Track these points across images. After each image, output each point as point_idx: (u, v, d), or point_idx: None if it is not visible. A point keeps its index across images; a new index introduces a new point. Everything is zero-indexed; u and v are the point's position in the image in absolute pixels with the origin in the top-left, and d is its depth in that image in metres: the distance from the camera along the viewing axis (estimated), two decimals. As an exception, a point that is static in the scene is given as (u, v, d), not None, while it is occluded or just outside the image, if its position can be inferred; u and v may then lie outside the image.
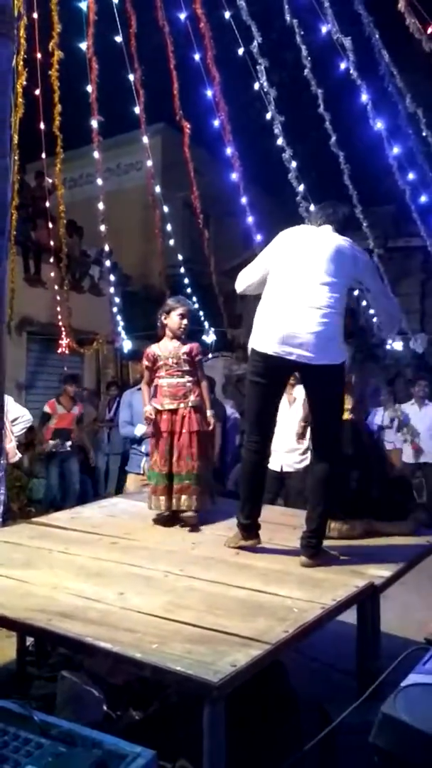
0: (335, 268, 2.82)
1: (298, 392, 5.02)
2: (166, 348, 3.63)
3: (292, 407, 5.08)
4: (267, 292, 2.90)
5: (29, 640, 3.27)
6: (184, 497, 3.44)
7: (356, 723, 1.98)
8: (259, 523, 3.00)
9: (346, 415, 3.25)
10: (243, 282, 3.14)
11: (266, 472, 3.09)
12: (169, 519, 3.51)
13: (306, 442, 4.98)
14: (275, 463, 5.01)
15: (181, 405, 3.53)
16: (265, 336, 2.79)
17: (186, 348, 3.62)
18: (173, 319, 3.62)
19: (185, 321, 3.62)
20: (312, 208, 6.82)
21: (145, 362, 3.70)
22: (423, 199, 5.93)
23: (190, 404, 3.54)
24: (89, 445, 8.46)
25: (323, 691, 2.75)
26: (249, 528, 2.97)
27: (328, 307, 2.76)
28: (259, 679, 1.90)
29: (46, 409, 7.58)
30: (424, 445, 7.21)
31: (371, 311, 3.34)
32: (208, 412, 3.61)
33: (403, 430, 7.25)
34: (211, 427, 3.63)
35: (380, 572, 2.66)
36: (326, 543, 3.06)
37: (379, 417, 7.61)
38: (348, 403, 3.27)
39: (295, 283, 2.81)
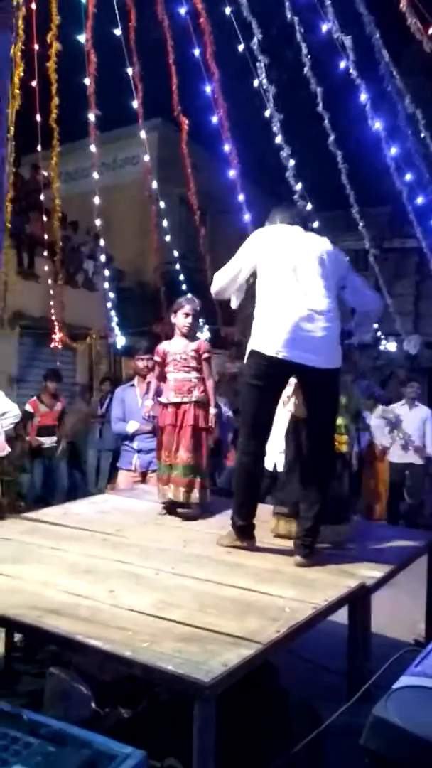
0: (328, 271, 2.87)
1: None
2: (175, 345, 3.78)
3: (286, 408, 5.07)
4: (266, 295, 2.88)
5: (17, 636, 3.25)
6: (172, 486, 3.56)
7: (346, 724, 1.98)
8: (254, 523, 2.99)
9: None
10: (220, 284, 3.15)
11: (262, 475, 3.09)
12: (172, 508, 3.63)
13: None
14: (269, 462, 5.00)
15: (185, 399, 3.65)
16: (272, 339, 2.76)
17: (194, 345, 3.75)
18: (179, 318, 3.78)
19: (189, 320, 3.76)
20: (309, 206, 6.83)
21: (156, 358, 3.85)
22: (420, 200, 5.94)
23: (193, 399, 3.64)
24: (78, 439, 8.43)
25: (313, 691, 2.74)
26: (245, 530, 2.96)
27: (330, 311, 2.80)
28: (249, 678, 1.90)
29: (28, 407, 7.52)
30: (413, 446, 7.23)
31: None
32: (211, 410, 3.69)
33: (395, 432, 7.25)
34: (211, 425, 3.69)
35: (371, 573, 2.66)
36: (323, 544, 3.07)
37: (369, 418, 7.63)
38: None
39: (296, 286, 2.81)
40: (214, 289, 3.20)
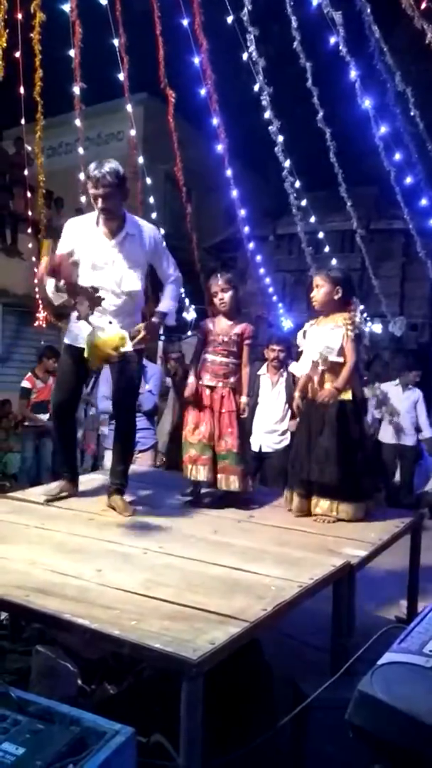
0: None
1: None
2: (219, 324, 3.55)
3: (274, 389, 5.08)
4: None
5: (3, 615, 3.25)
6: (222, 476, 3.42)
7: (328, 699, 2.02)
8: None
9: (349, 395, 3.27)
10: None
11: None
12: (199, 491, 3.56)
13: (286, 424, 5.01)
14: (255, 443, 5.03)
15: (220, 384, 3.48)
16: None
17: (238, 329, 3.52)
18: (214, 299, 3.55)
19: (221, 296, 3.51)
20: (297, 185, 6.76)
21: (198, 335, 3.66)
22: (408, 180, 5.90)
23: (229, 385, 3.48)
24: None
25: (296, 667, 2.79)
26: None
27: None
28: (234, 655, 1.92)
29: (27, 384, 7.45)
30: (403, 425, 7.28)
31: None
32: (243, 399, 3.50)
33: (382, 408, 7.28)
34: (243, 415, 3.53)
35: (356, 552, 2.70)
36: (309, 523, 3.11)
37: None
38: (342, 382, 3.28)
39: None
40: None
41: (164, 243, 3.28)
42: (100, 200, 3.01)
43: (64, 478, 3.49)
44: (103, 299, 2.89)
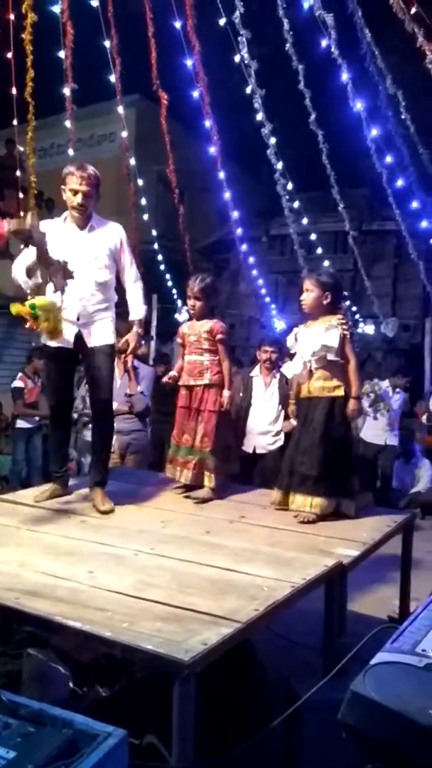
0: None
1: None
2: (190, 326, 3.72)
3: (267, 390, 5.08)
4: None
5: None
6: (185, 471, 3.56)
7: (321, 699, 2.01)
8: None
9: (341, 391, 3.29)
10: None
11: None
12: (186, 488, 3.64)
13: (280, 425, 5.01)
14: (248, 445, 5.03)
15: (197, 382, 3.61)
16: None
17: (207, 327, 3.64)
18: (188, 300, 3.72)
19: (191, 301, 3.67)
20: (290, 186, 6.78)
21: (178, 339, 3.86)
22: (400, 182, 5.93)
23: (204, 382, 3.59)
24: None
25: (289, 667, 2.79)
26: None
27: None
28: (227, 655, 1.91)
29: (20, 384, 7.41)
30: (389, 428, 7.37)
31: None
32: (225, 392, 3.58)
33: (379, 405, 7.35)
34: (223, 408, 3.59)
35: (348, 552, 2.70)
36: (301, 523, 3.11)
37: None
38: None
39: None
40: None
41: (128, 241, 3.40)
42: (80, 195, 3.16)
43: (56, 480, 3.50)
44: (73, 272, 2.99)
